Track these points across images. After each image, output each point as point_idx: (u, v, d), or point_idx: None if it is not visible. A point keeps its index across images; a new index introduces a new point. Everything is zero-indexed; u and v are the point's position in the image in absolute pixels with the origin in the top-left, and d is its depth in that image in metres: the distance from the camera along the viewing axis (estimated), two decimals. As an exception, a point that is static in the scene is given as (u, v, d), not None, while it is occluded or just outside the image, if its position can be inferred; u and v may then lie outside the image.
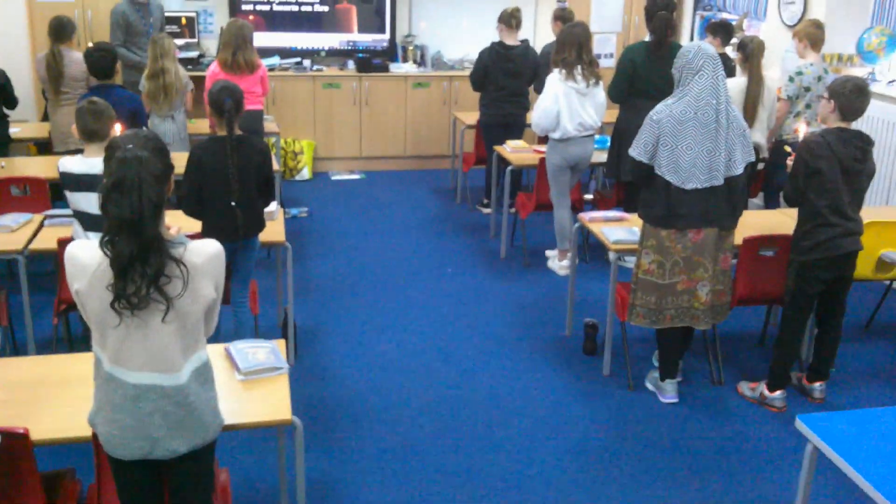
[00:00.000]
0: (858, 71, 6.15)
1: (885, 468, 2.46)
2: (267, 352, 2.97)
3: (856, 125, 3.87)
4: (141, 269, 2.15)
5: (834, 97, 3.78)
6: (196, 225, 3.83)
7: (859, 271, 4.40)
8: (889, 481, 2.40)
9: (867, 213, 4.61)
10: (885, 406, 2.88)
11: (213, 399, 2.43)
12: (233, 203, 3.72)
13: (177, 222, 2.49)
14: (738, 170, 3.78)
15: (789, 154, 3.99)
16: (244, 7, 7.76)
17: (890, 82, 5.94)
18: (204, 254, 2.29)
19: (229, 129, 3.69)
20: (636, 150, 3.81)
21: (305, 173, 7.82)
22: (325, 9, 7.96)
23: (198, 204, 3.78)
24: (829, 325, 4.10)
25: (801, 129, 4.17)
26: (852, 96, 3.76)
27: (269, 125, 6.66)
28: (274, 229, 4.20)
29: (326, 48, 8.05)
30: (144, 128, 5.49)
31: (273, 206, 4.27)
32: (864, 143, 3.80)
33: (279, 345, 3.05)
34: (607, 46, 8.17)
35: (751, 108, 5.47)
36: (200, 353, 2.36)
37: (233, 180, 3.70)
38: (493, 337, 4.79)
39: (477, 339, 4.75)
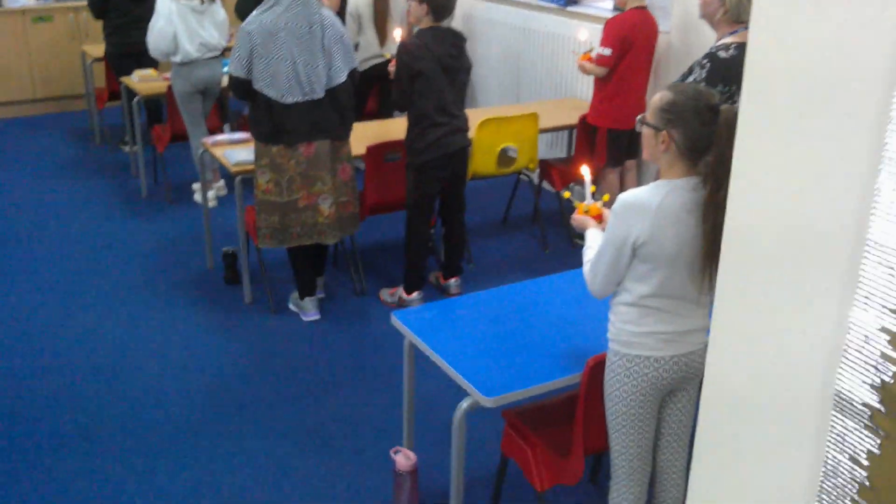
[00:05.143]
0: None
1: (461, 348, 2.56)
2: None
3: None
4: None
5: (424, -2, 3.81)
6: None
7: (485, 168, 4.59)
8: (463, 359, 2.50)
9: (487, 112, 4.83)
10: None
11: None
12: None
13: None
14: (342, 78, 3.72)
15: (389, 61, 3.99)
16: None
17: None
18: None
19: None
20: (233, 66, 3.62)
21: (-88, 130, 6.78)
22: None
23: None
24: (452, 223, 4.23)
25: (397, 35, 4.18)
26: (442, -5, 3.81)
27: None
28: None
29: (-80, -17, 6.93)
30: None
31: None
32: (457, 40, 3.89)
33: None
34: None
35: (381, 22, 5.48)
36: None
37: None
38: (129, 282, 4.45)
39: (109, 288, 4.38)
